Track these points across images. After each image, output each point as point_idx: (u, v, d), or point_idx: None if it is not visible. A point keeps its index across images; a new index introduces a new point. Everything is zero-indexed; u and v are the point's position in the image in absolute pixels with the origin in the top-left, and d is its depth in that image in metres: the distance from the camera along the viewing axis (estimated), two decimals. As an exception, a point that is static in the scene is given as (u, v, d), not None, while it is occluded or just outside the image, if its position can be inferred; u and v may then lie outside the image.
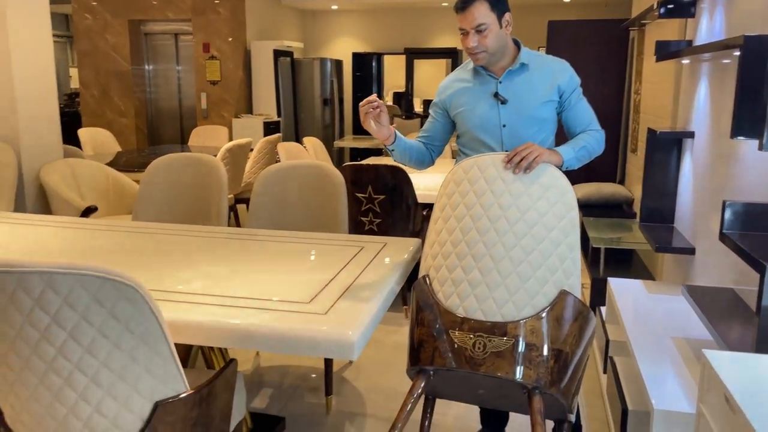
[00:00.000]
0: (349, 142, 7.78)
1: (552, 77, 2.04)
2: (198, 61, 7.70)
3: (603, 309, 3.05)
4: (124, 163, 4.90)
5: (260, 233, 2.53)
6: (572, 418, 1.99)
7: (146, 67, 8.21)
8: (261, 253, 2.22)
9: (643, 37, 4.47)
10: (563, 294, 1.83)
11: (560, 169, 1.96)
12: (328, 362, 2.61)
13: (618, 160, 5.38)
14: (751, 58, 1.70)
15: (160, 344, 1.42)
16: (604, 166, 5.32)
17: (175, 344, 2.20)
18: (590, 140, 2.03)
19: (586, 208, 4.65)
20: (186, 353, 2.18)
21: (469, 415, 2.59)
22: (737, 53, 1.97)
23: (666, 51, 2.92)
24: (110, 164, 4.75)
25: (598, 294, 3.59)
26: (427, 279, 1.97)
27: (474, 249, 1.89)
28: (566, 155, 1.96)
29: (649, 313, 2.49)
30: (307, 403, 2.69)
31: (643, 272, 3.84)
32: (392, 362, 3.09)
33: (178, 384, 1.50)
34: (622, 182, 5.32)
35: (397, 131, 2.14)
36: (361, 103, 2.01)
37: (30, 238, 2.40)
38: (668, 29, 3.67)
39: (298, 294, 1.79)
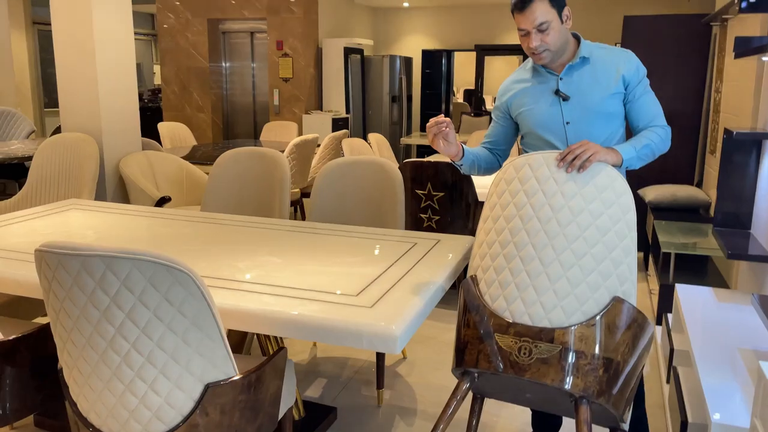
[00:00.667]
0: (416, 139, 7.79)
1: (616, 68, 1.96)
2: (271, 59, 7.93)
3: (670, 316, 2.93)
4: (199, 156, 5.12)
5: (318, 227, 2.59)
6: (625, 427, 1.93)
7: (223, 64, 8.53)
8: (316, 246, 2.28)
9: (725, 33, 4.23)
10: (617, 300, 1.77)
11: (620, 169, 1.90)
12: (380, 356, 2.64)
13: (696, 162, 5.12)
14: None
15: (211, 328, 1.49)
16: (680, 168, 5.08)
17: (230, 331, 2.31)
18: (654, 138, 1.93)
19: (659, 211, 4.46)
20: (241, 340, 2.26)
21: (521, 417, 2.55)
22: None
23: (745, 47, 2.76)
24: (186, 157, 4.99)
25: (666, 301, 3.45)
26: (475, 279, 1.96)
27: (523, 251, 1.86)
28: (626, 154, 1.88)
29: (716, 322, 2.38)
30: (359, 395, 2.73)
31: (717, 280, 3.65)
32: (445, 360, 3.09)
33: (227, 367, 1.56)
34: (699, 185, 5.07)
35: (464, 145, 2.11)
36: (428, 124, 1.98)
37: (105, 225, 2.56)
38: (751, 25, 3.45)
39: (348, 287, 1.83)
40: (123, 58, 4.00)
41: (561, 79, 1.99)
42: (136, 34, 11.16)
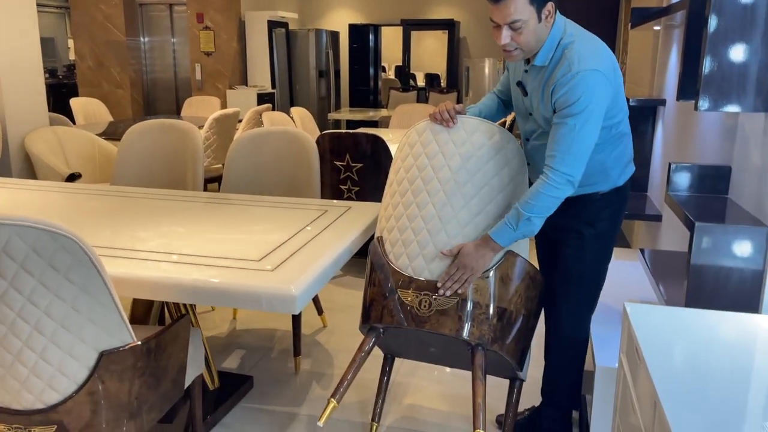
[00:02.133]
0: (345, 114, 7.78)
1: (552, 87, 1.72)
2: (192, 32, 7.69)
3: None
4: (114, 132, 4.94)
5: (231, 197, 2.57)
6: (522, 376, 2.04)
7: (141, 38, 8.21)
8: (226, 216, 2.27)
9: (629, 6, 4.42)
10: (510, 255, 1.87)
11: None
12: (296, 324, 2.67)
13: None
14: (695, 18, 1.71)
15: (102, 295, 1.47)
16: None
17: (136, 301, 2.27)
18: (534, 201, 1.72)
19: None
20: (147, 310, 2.24)
21: (433, 377, 2.65)
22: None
23: (640, 17, 2.91)
24: (101, 134, 4.80)
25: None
26: (381, 240, 2.01)
27: (424, 210, 1.93)
28: (504, 239, 1.76)
29: (609, 278, 2.53)
30: (276, 364, 2.76)
31: (620, 239, 3.87)
32: (365, 326, 3.15)
33: (123, 334, 1.55)
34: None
35: (467, 110, 2.01)
36: (432, 115, 1.92)
37: (4, 200, 2.45)
38: (650, -3, 3.63)
39: (250, 253, 1.84)
40: (25, 29, 3.79)
41: (526, 71, 1.86)
42: (46, 6, 10.55)
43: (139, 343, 1.59)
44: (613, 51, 5.05)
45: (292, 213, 2.31)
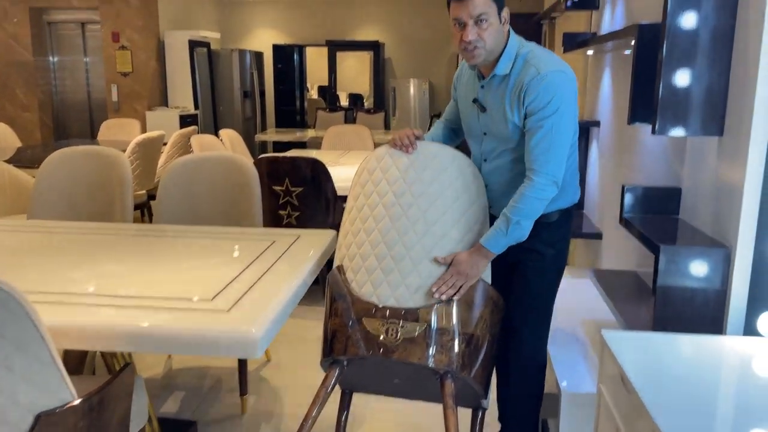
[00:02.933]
0: (271, 135, 7.62)
1: (519, 93, 1.72)
2: (107, 52, 7.31)
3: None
4: (24, 159, 4.57)
5: (167, 229, 2.41)
6: (486, 404, 2.00)
7: (51, 58, 7.72)
8: (165, 250, 2.11)
9: (554, 30, 4.60)
10: (473, 280, 1.84)
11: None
12: (242, 361, 2.52)
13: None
14: (645, 46, 1.75)
15: (40, 351, 1.30)
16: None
17: (67, 351, 2.06)
18: (522, 205, 1.73)
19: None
20: (81, 358, 2.04)
21: (392, 409, 2.57)
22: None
23: (572, 42, 3.00)
24: (8, 161, 4.42)
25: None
26: (341, 269, 1.94)
27: (387, 236, 1.88)
28: (496, 247, 1.77)
29: (558, 297, 2.55)
30: (221, 405, 2.59)
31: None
32: (312, 358, 3.01)
33: (63, 392, 1.38)
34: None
35: (422, 137, 1.97)
36: (392, 142, 1.89)
37: None
38: (576, 22, 3.78)
39: (201, 291, 1.70)
40: None
41: (482, 87, 1.84)
42: (-61, 22, 9.74)
43: (80, 401, 1.42)
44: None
45: (237, 244, 2.18)
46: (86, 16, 7.54)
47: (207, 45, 7.98)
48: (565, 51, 3.04)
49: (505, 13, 1.74)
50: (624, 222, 1.82)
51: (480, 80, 1.86)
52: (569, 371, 1.93)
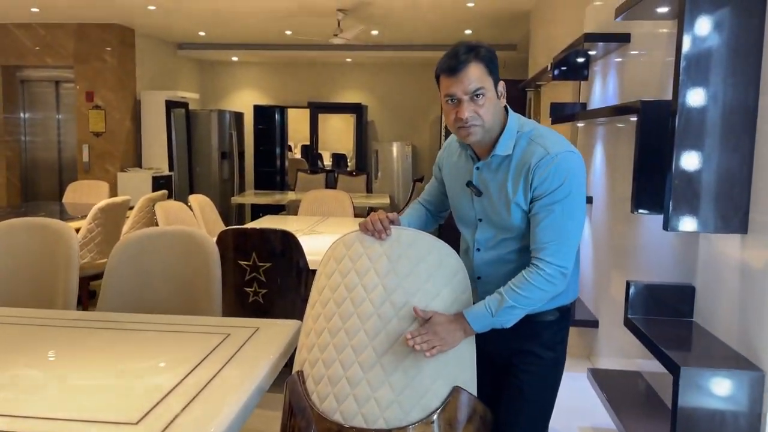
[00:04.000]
0: (249, 198, 7.39)
1: (525, 174, 1.54)
2: (80, 111, 7.12)
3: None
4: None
5: (111, 318, 2.11)
6: None
7: (22, 115, 7.50)
8: (100, 347, 1.81)
9: (540, 99, 4.49)
10: (456, 391, 1.57)
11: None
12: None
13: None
14: (649, 123, 1.56)
15: None
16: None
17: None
18: (523, 289, 1.53)
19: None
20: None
21: None
22: (633, 118, 1.84)
23: (561, 113, 2.84)
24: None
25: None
26: (301, 376, 1.66)
27: (354, 339, 1.61)
28: (478, 323, 1.56)
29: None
30: None
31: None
32: (275, 458, 2.67)
33: None
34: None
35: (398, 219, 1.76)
36: (362, 226, 1.67)
37: None
38: (562, 91, 3.65)
39: (126, 410, 1.40)
40: None
41: (477, 168, 1.65)
42: None
43: None
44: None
45: (186, 339, 1.89)
46: (61, 75, 7.39)
47: (185, 105, 7.83)
48: (553, 122, 2.86)
49: (501, 87, 1.58)
50: (629, 325, 1.57)
51: (474, 161, 1.65)
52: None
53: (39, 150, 7.58)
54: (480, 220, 1.67)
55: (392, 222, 1.69)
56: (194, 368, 1.65)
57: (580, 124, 2.79)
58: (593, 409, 2.13)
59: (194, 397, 1.48)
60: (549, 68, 3.05)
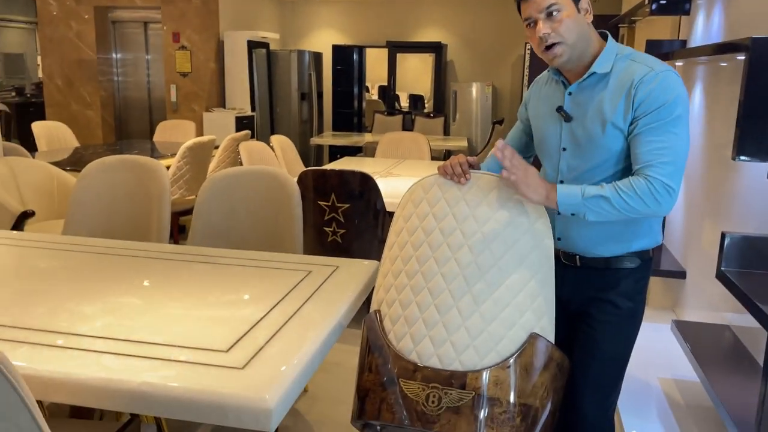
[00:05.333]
0: (327, 139, 7.46)
1: (627, 91, 1.48)
2: (167, 52, 7.34)
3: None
4: (78, 161, 4.56)
5: (199, 252, 2.23)
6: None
7: (114, 55, 7.82)
8: (192, 279, 1.92)
9: (633, 36, 4.20)
10: (533, 338, 1.56)
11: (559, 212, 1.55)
12: (274, 397, 2.31)
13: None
14: (759, 62, 1.42)
15: (20, 415, 1.12)
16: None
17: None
18: (624, 191, 1.43)
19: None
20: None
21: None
22: (741, 57, 1.69)
23: (658, 51, 2.64)
24: (63, 162, 4.42)
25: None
26: (379, 315, 1.70)
27: (431, 282, 1.62)
28: (565, 198, 1.48)
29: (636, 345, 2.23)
30: (250, 442, 2.39)
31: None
32: (351, 390, 2.79)
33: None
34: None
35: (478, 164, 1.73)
36: (441, 169, 1.66)
37: (-74, 257, 2.08)
38: (660, 27, 3.39)
39: (217, 339, 1.49)
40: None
41: (570, 93, 1.59)
42: (16, 21, 10.13)
43: (70, 469, 1.24)
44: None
45: (270, 275, 1.97)
46: (149, 15, 7.60)
47: (266, 46, 7.90)
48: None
49: (584, 2, 1.51)
50: (722, 278, 1.49)
51: (566, 87, 1.60)
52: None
53: (130, 90, 7.92)
54: (564, 149, 1.61)
55: (472, 166, 1.66)
56: (278, 303, 1.73)
57: (679, 63, 2.60)
58: (675, 361, 2.07)
59: (278, 330, 1.56)
60: (646, 1, 2.83)
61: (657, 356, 2.12)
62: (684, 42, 2.72)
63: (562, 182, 1.63)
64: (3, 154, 3.69)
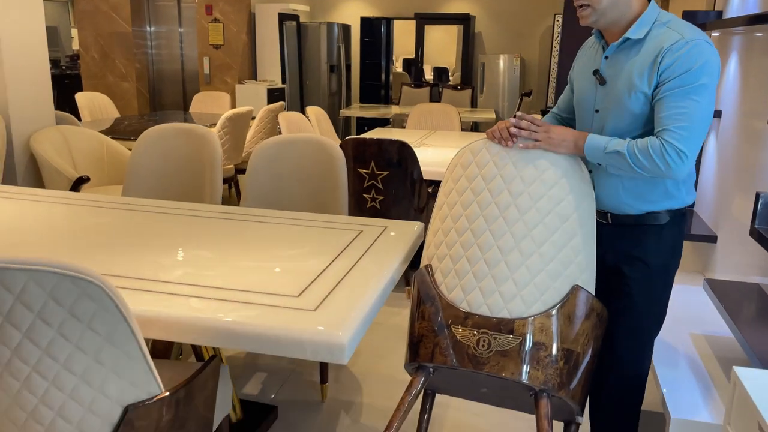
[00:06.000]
0: (355, 111, 7.56)
1: (655, 58, 1.54)
2: (200, 24, 7.46)
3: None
4: (122, 130, 4.74)
5: (254, 213, 2.38)
6: (581, 420, 1.86)
7: (148, 28, 7.97)
8: (251, 237, 2.08)
9: (667, 5, 4.21)
10: (576, 289, 1.69)
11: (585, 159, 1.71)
12: (324, 349, 2.48)
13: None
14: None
15: (129, 344, 1.29)
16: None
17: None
18: (640, 149, 1.54)
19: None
20: (168, 344, 2.05)
21: (470, 408, 2.47)
22: (779, 27, 1.77)
23: (693, 22, 2.70)
24: (107, 131, 4.60)
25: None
26: (430, 269, 1.83)
27: (480, 238, 1.75)
28: (590, 147, 1.62)
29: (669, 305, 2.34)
30: (301, 391, 2.58)
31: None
32: (392, 347, 2.97)
33: (151, 385, 1.37)
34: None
35: None
36: (489, 134, 1.76)
37: (12, 215, 2.26)
38: (696, -2, 3.42)
39: (287, 286, 1.65)
40: (30, 20, 3.58)
41: (606, 57, 1.69)
42: (50, -6, 10.30)
43: (168, 394, 1.41)
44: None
45: (324, 234, 2.12)
46: (182, -12, 7.72)
47: (296, 18, 7.98)
48: (683, 32, 2.74)
49: None
50: (756, 234, 1.60)
51: (605, 50, 1.69)
52: (677, 394, 1.75)
53: (164, 62, 8.08)
54: (597, 111, 1.73)
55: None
56: (336, 257, 1.88)
57: (715, 34, 2.66)
58: (707, 318, 2.19)
59: (341, 280, 1.70)
60: (683, -27, 2.87)
61: (689, 314, 2.23)
62: (720, 13, 2.77)
63: None
64: (55, 123, 3.88)
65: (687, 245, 3.07)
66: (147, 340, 1.94)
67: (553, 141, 1.66)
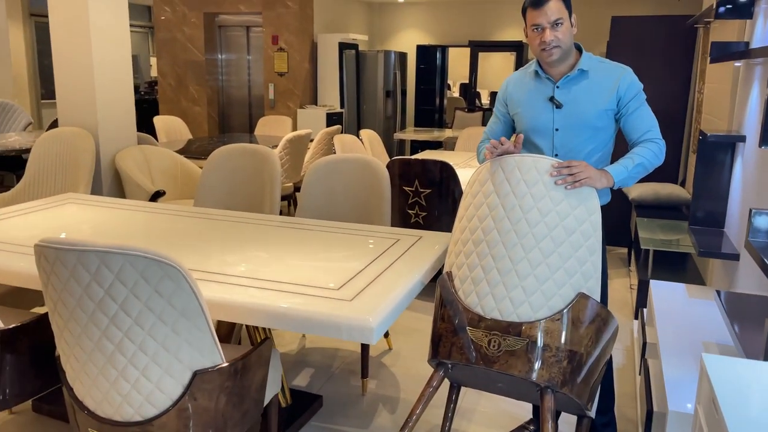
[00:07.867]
0: (410, 134, 7.88)
1: (610, 86, 2.05)
2: (267, 53, 8.00)
3: (645, 311, 3.05)
4: (194, 150, 5.20)
5: (306, 222, 2.69)
6: (591, 414, 2.04)
7: (219, 56, 8.60)
8: (302, 242, 2.38)
9: (708, 36, 4.33)
10: (581, 296, 1.88)
11: (613, 188, 2.04)
12: (365, 346, 2.75)
13: (680, 161, 5.24)
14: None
15: (199, 319, 1.60)
16: (665, 166, 5.20)
17: (220, 322, 2.41)
18: (646, 154, 2.00)
19: (642, 208, 4.57)
20: (230, 330, 2.37)
21: (498, 404, 2.67)
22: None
23: (721, 52, 2.87)
24: (180, 151, 5.08)
25: (644, 296, 3.56)
26: (450, 276, 2.07)
27: (494, 249, 1.97)
28: (618, 176, 1.97)
29: (684, 316, 2.49)
30: (344, 384, 2.85)
31: (694, 276, 3.77)
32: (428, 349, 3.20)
33: (215, 356, 1.67)
34: (683, 183, 5.18)
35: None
36: (488, 149, 2.03)
37: (101, 219, 2.66)
38: (729, 29, 3.55)
39: (330, 281, 1.93)
40: (119, 51, 4.09)
41: (558, 87, 2.09)
42: (132, 26, 11.19)
43: (228, 364, 1.71)
44: (690, 78, 4.94)
45: (365, 241, 2.40)
46: (251, 20, 8.31)
47: (355, 47, 8.42)
48: (711, 61, 2.91)
49: (574, 18, 2.03)
50: (748, 247, 1.78)
51: (553, 82, 2.09)
52: (678, 390, 1.92)
53: (233, 88, 8.67)
54: (557, 129, 2.10)
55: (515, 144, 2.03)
56: (374, 260, 2.15)
57: (738, 64, 2.81)
58: (719, 328, 2.33)
59: (375, 278, 1.98)
60: (714, 5, 3.04)
61: (706, 324, 2.38)
62: (747, 44, 2.92)
63: (557, 155, 2.14)
64: (137, 143, 4.36)
65: (715, 263, 3.18)
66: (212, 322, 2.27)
67: (594, 177, 1.91)
